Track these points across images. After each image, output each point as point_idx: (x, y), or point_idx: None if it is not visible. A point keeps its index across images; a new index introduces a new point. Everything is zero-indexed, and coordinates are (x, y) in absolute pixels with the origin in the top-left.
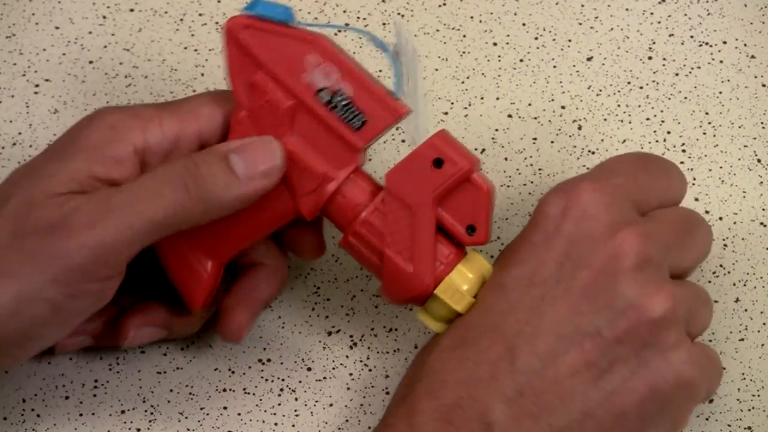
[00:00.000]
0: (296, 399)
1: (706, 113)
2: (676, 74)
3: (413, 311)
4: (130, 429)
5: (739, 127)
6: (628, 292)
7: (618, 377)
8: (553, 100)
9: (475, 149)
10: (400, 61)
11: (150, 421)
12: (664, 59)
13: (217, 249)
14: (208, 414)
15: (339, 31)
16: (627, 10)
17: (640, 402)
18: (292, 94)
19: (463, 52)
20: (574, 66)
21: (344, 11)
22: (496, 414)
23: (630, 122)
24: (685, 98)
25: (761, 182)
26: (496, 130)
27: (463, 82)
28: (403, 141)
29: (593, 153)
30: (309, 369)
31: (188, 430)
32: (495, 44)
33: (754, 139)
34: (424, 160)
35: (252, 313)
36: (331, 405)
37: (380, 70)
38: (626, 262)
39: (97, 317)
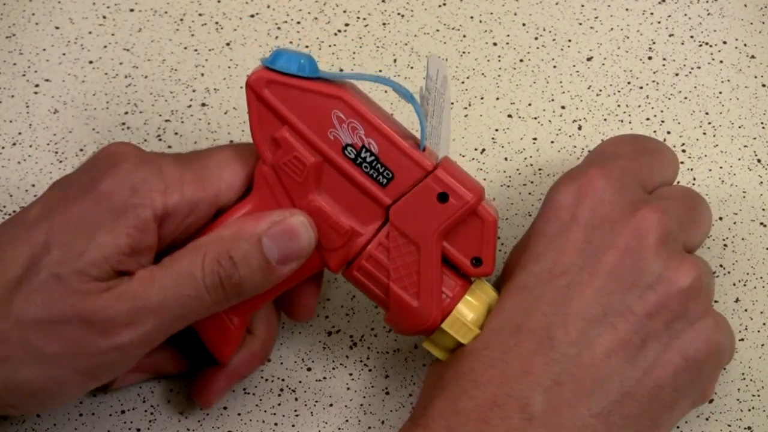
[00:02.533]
0: (296, 399)
1: (706, 113)
2: (676, 74)
3: None
4: (130, 429)
5: (739, 127)
6: (655, 266)
7: (652, 352)
8: (553, 100)
9: (475, 149)
10: (427, 106)
11: (150, 421)
12: (664, 59)
13: (244, 306)
14: (208, 414)
15: (353, 74)
16: (627, 10)
17: (674, 374)
18: (318, 150)
19: (463, 52)
20: (574, 66)
21: (344, 11)
22: (535, 407)
23: (630, 122)
24: (685, 98)
25: (761, 182)
26: (496, 130)
27: (463, 82)
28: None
29: None
30: (309, 369)
31: (188, 430)
32: (495, 44)
33: (754, 139)
34: (429, 194)
35: (230, 385)
36: (331, 405)
37: (390, 72)
38: (650, 238)
39: None
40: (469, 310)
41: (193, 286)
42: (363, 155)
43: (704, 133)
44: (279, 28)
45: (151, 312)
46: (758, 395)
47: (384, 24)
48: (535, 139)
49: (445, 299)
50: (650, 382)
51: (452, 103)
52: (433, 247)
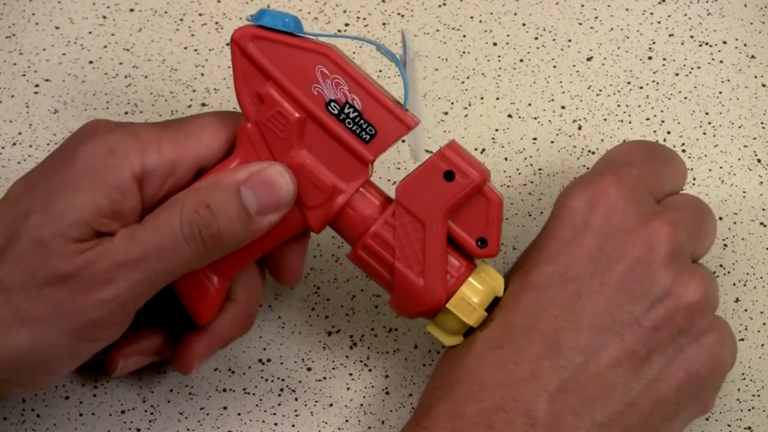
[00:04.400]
0: (296, 399)
1: (706, 113)
2: (676, 74)
3: None
4: (130, 429)
5: (739, 127)
6: (665, 280)
7: (657, 365)
8: (553, 100)
9: (475, 149)
10: (408, 70)
11: (150, 421)
12: (664, 59)
13: (225, 265)
14: (208, 414)
15: (337, 35)
16: (627, 10)
17: (677, 388)
18: (302, 105)
19: (463, 52)
20: (574, 66)
21: (344, 11)
22: (539, 413)
23: (630, 122)
24: (685, 98)
25: (761, 182)
26: (496, 130)
27: (463, 82)
28: (403, 141)
29: (593, 153)
30: (309, 369)
31: (188, 430)
32: (495, 44)
33: (754, 139)
34: (435, 172)
35: (210, 350)
36: (331, 405)
37: (380, 70)
38: (661, 251)
39: None
40: (474, 291)
41: (171, 238)
42: (346, 111)
43: (704, 133)
44: None
45: (130, 267)
46: (758, 395)
47: (384, 24)
48: (535, 139)
49: (450, 279)
50: (653, 394)
51: (447, 102)
52: (438, 225)
